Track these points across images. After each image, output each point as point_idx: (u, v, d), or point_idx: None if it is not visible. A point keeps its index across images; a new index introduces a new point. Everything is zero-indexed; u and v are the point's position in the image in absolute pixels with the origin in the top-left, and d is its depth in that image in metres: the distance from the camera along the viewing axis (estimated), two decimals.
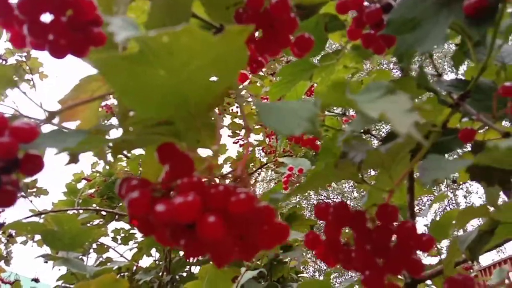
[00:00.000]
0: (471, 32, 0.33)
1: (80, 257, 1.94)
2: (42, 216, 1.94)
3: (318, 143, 0.98)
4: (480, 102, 0.49)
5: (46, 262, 1.29)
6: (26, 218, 2.26)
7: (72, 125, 0.40)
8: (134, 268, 1.79)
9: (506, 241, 0.92)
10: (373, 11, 0.39)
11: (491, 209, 0.55)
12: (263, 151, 2.33)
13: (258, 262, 1.78)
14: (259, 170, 2.44)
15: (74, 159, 0.33)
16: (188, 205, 0.24)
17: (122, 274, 1.78)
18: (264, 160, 2.42)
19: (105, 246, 2.15)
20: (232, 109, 2.01)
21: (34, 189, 2.00)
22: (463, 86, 0.50)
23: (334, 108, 0.97)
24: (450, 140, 0.45)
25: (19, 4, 0.29)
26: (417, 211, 1.28)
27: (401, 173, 0.42)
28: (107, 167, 2.44)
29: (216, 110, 0.28)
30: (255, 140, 2.35)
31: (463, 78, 0.54)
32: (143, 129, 0.30)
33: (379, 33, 0.39)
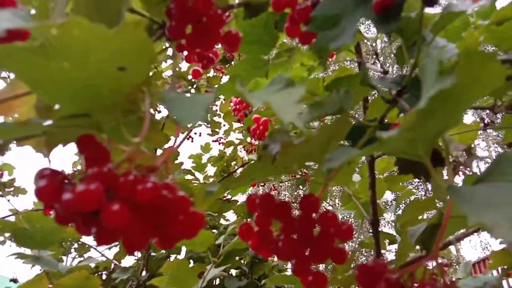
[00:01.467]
0: (379, 30, 0.34)
1: (61, 256, 1.93)
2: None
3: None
4: (418, 97, 0.50)
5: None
6: (4, 217, 2.24)
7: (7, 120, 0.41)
8: (112, 266, 1.78)
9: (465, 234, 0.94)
10: (304, 8, 0.40)
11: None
12: (244, 150, 2.34)
13: (241, 261, 1.79)
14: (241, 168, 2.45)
15: (1, 151, 0.34)
16: (89, 193, 0.25)
17: (99, 272, 1.78)
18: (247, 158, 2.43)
19: (86, 246, 2.14)
20: (211, 107, 2.01)
21: (12, 188, 1.98)
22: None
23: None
24: None
25: None
26: (386, 207, 1.29)
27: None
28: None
29: (147, 104, 0.29)
30: (236, 138, 2.36)
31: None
32: (62, 121, 0.31)
33: (303, 30, 0.41)
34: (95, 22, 0.33)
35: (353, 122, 0.52)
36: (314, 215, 0.36)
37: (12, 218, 1.96)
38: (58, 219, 0.29)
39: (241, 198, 3.60)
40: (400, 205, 1.12)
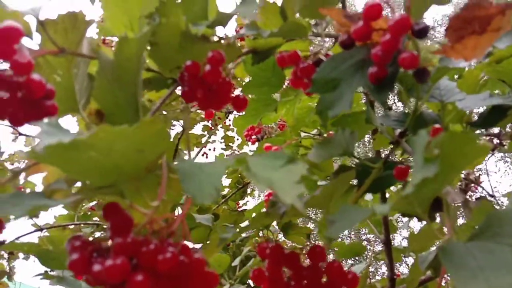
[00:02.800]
0: (374, 98, 0.36)
1: None
2: (44, 230, 2.00)
3: None
4: None
5: None
6: (29, 233, 2.31)
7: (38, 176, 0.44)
8: None
9: None
10: (306, 67, 0.43)
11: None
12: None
13: None
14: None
15: (34, 215, 0.37)
16: (116, 267, 0.28)
17: None
18: None
19: None
20: (225, 122, 2.05)
21: None
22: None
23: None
24: (389, 175, 0.49)
25: None
26: (398, 223, 1.30)
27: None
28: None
29: (165, 169, 0.32)
30: (250, 150, 2.40)
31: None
32: (90, 191, 0.34)
33: (306, 91, 0.43)
34: (115, 92, 0.36)
35: (357, 162, 0.55)
36: (321, 264, 0.39)
37: (35, 234, 2.03)
38: (89, 283, 0.32)
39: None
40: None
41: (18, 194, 0.35)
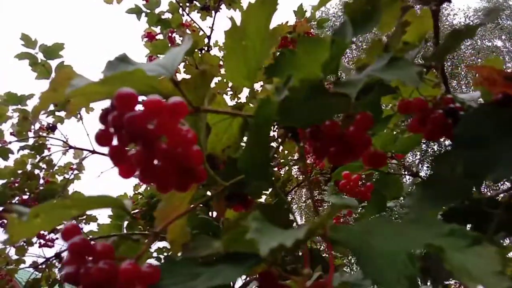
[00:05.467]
0: None
1: None
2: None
3: None
4: None
5: None
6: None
7: None
8: None
9: None
10: (438, 116, 0.42)
11: None
12: (298, 170, 2.35)
13: None
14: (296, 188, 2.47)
15: None
16: None
17: None
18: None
19: None
20: None
21: (84, 217, 2.11)
22: None
23: None
24: None
25: (137, 156, 0.34)
26: None
27: None
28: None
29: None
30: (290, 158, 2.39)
31: None
32: None
33: (448, 150, 0.42)
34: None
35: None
36: None
37: None
38: None
39: None
40: None
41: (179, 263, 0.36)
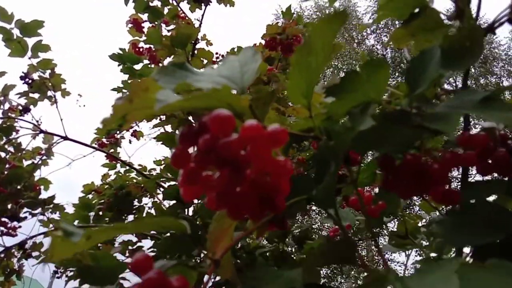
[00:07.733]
0: None
1: None
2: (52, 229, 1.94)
3: None
4: None
5: None
6: (40, 234, 2.25)
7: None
8: None
9: None
10: (501, 154, 0.41)
11: None
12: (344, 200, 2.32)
13: None
14: None
15: None
16: None
17: None
18: None
19: None
20: None
21: (51, 205, 1.99)
22: None
23: None
24: None
25: (221, 181, 0.31)
26: None
27: None
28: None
29: None
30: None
31: None
32: None
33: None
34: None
35: None
36: None
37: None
38: None
39: None
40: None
41: None
